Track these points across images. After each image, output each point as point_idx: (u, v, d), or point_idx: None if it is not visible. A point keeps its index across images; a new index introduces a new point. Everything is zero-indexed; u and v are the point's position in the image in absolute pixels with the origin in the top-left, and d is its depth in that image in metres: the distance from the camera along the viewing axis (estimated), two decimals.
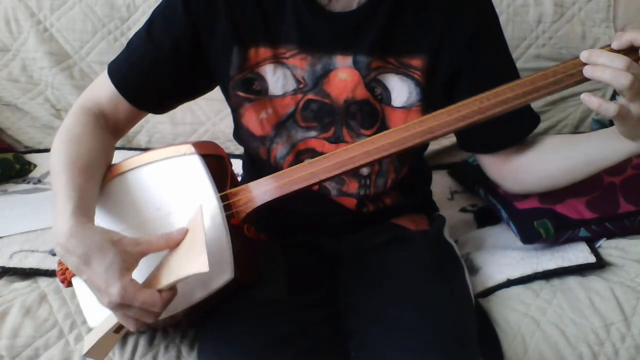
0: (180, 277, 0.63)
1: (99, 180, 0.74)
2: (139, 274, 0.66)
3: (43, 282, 0.90)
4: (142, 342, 0.81)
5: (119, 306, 0.63)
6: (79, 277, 0.66)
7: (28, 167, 1.33)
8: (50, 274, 0.91)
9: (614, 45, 0.65)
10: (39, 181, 1.29)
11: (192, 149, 0.73)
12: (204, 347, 0.77)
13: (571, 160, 0.81)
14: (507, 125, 0.80)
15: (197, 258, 0.62)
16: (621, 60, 0.63)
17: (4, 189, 1.24)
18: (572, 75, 0.68)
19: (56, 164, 0.72)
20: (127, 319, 0.65)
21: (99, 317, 0.72)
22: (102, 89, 0.81)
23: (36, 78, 1.37)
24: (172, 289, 0.65)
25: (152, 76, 0.79)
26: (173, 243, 0.67)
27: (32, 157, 1.37)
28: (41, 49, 1.34)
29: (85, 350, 0.70)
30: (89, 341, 0.71)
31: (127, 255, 0.63)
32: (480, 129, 0.72)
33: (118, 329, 0.70)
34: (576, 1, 1.31)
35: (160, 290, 0.63)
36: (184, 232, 0.68)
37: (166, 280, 0.64)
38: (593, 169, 0.80)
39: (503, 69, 0.82)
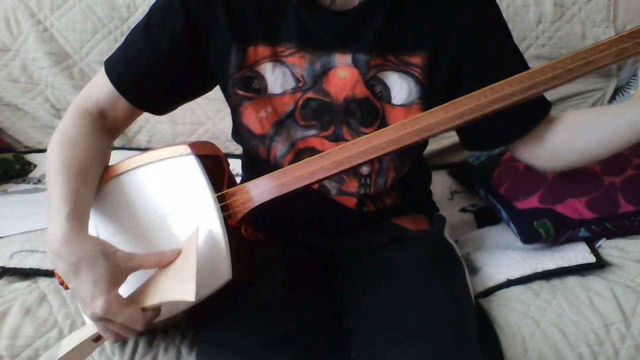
0: (165, 299, 0.63)
1: (95, 183, 0.74)
2: (125, 288, 0.65)
3: (43, 282, 0.90)
4: (142, 342, 0.81)
5: (101, 319, 0.63)
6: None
7: (28, 167, 1.33)
8: (50, 274, 0.91)
9: None
10: (39, 181, 1.29)
11: (188, 150, 0.73)
12: (203, 347, 0.77)
13: (613, 132, 0.77)
14: (514, 116, 0.77)
15: (185, 285, 0.61)
16: None
17: (4, 189, 1.25)
18: (571, 70, 0.67)
19: (51, 167, 0.72)
20: (107, 331, 0.65)
21: None
22: (100, 88, 0.80)
23: (36, 78, 1.37)
24: (157, 308, 0.65)
25: (151, 74, 0.79)
26: (165, 263, 0.67)
27: (32, 157, 1.37)
28: (41, 49, 1.35)
29: (59, 356, 0.69)
30: (65, 346, 0.70)
31: (117, 271, 0.63)
32: (484, 123, 0.71)
33: (97, 338, 0.69)
34: (576, 1, 1.30)
35: (144, 309, 0.63)
36: (177, 253, 0.67)
37: (151, 300, 0.64)
38: (636, 137, 0.75)
39: (508, 63, 0.80)
